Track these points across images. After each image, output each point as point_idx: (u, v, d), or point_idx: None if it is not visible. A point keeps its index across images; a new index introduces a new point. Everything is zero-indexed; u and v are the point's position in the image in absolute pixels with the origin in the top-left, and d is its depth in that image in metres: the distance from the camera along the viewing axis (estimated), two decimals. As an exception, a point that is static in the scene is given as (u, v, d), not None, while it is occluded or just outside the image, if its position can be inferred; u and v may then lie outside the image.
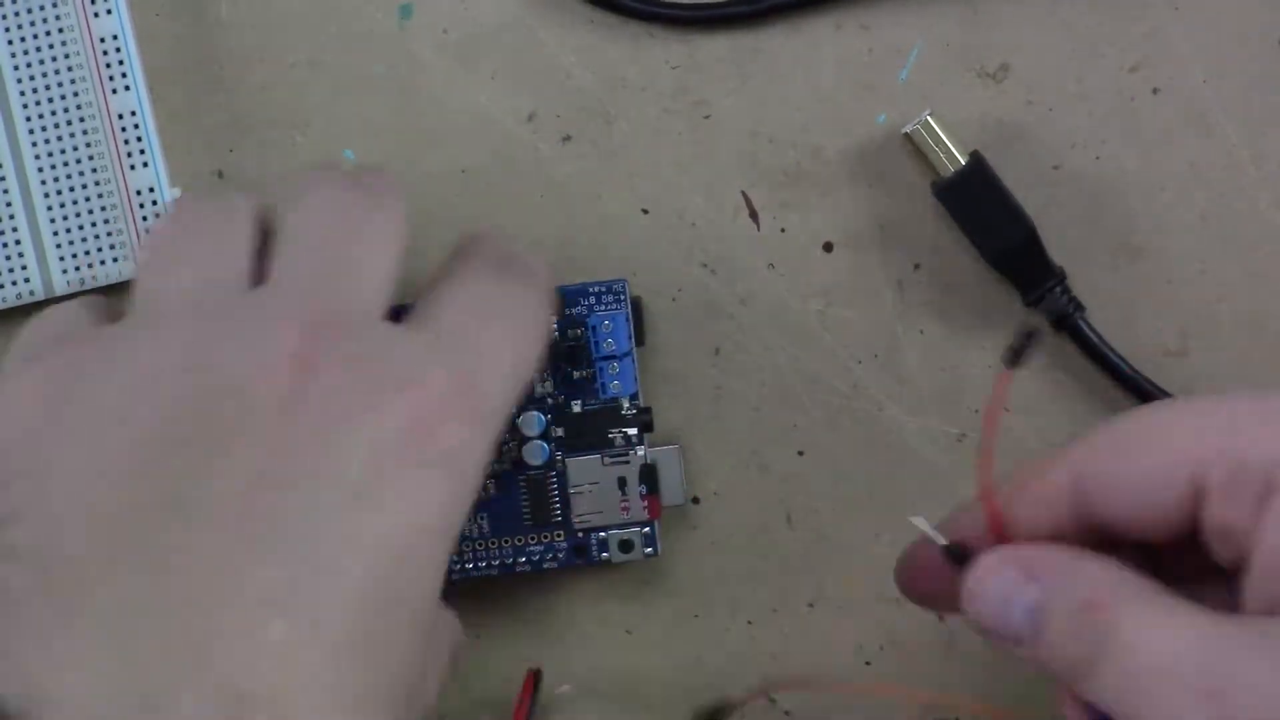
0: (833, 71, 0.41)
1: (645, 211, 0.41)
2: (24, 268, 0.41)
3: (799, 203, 0.41)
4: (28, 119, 0.41)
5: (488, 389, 0.32)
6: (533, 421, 0.40)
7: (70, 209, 0.41)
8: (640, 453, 0.40)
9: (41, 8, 0.41)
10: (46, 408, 0.31)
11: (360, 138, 0.42)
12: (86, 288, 0.41)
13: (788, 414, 0.41)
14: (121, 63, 0.41)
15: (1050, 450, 0.32)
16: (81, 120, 0.41)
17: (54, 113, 0.41)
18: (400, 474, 0.30)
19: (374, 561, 0.30)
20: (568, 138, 0.41)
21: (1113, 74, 0.41)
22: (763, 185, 0.41)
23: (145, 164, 0.41)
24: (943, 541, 0.34)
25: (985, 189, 0.40)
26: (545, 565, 0.40)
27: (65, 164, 0.41)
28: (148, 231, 0.39)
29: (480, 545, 0.40)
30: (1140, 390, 0.40)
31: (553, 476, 0.40)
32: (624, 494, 0.40)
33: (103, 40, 0.41)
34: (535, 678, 0.40)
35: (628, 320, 0.40)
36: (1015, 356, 0.32)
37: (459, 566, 0.40)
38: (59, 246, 0.41)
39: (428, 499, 0.31)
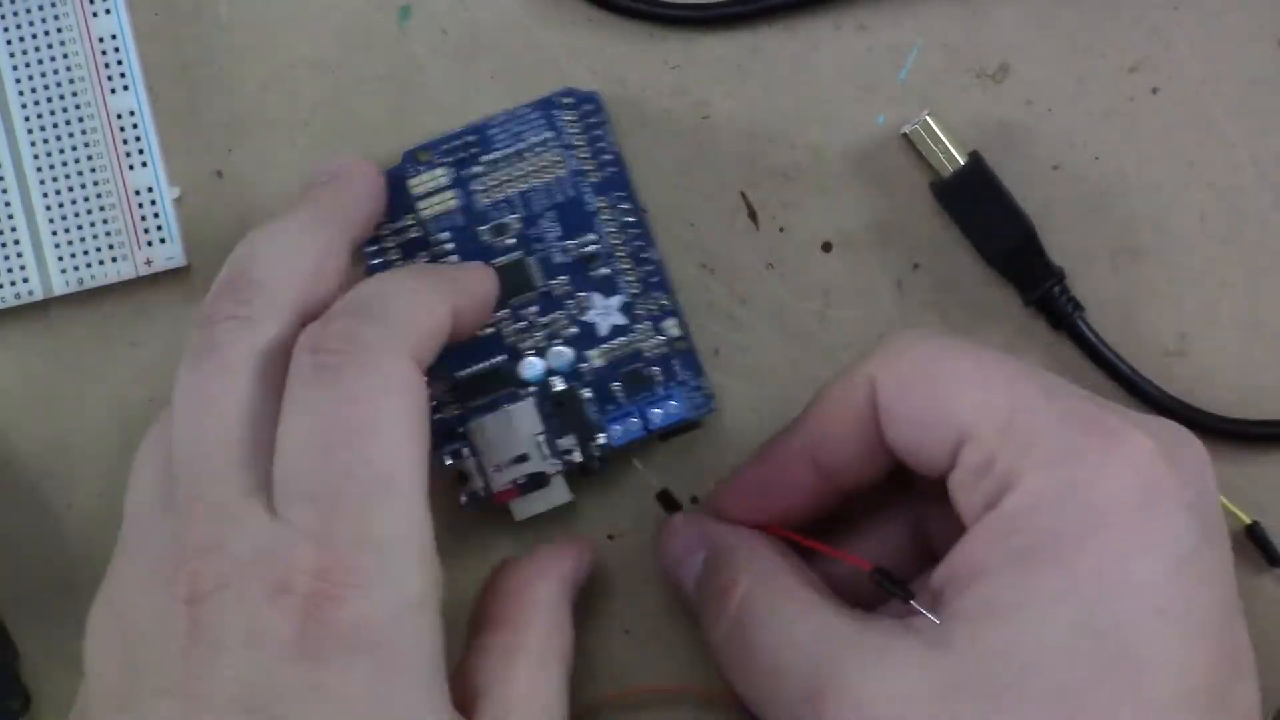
0: (832, 72, 0.41)
1: (645, 211, 0.41)
2: (23, 268, 0.41)
3: (798, 203, 0.41)
4: (26, 119, 0.41)
5: (363, 523, 0.31)
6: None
7: (69, 209, 0.41)
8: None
9: (41, 8, 0.41)
10: None
11: (360, 138, 0.42)
12: (85, 288, 0.41)
13: (787, 415, 0.41)
14: (120, 63, 0.41)
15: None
16: (80, 120, 0.41)
17: (53, 113, 0.41)
18: (295, 681, 0.30)
19: None
20: (567, 138, 0.42)
21: (1113, 74, 0.41)
22: (762, 185, 0.41)
23: (144, 164, 0.41)
24: (657, 488, 0.39)
25: (984, 189, 0.40)
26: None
27: (64, 164, 0.41)
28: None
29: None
30: (1140, 390, 0.40)
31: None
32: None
33: (102, 40, 0.41)
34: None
35: None
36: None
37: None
38: (58, 247, 0.41)
39: (347, 691, 0.31)
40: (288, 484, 0.32)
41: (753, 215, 0.41)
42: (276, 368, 0.33)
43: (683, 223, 0.41)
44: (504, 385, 0.39)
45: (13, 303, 0.41)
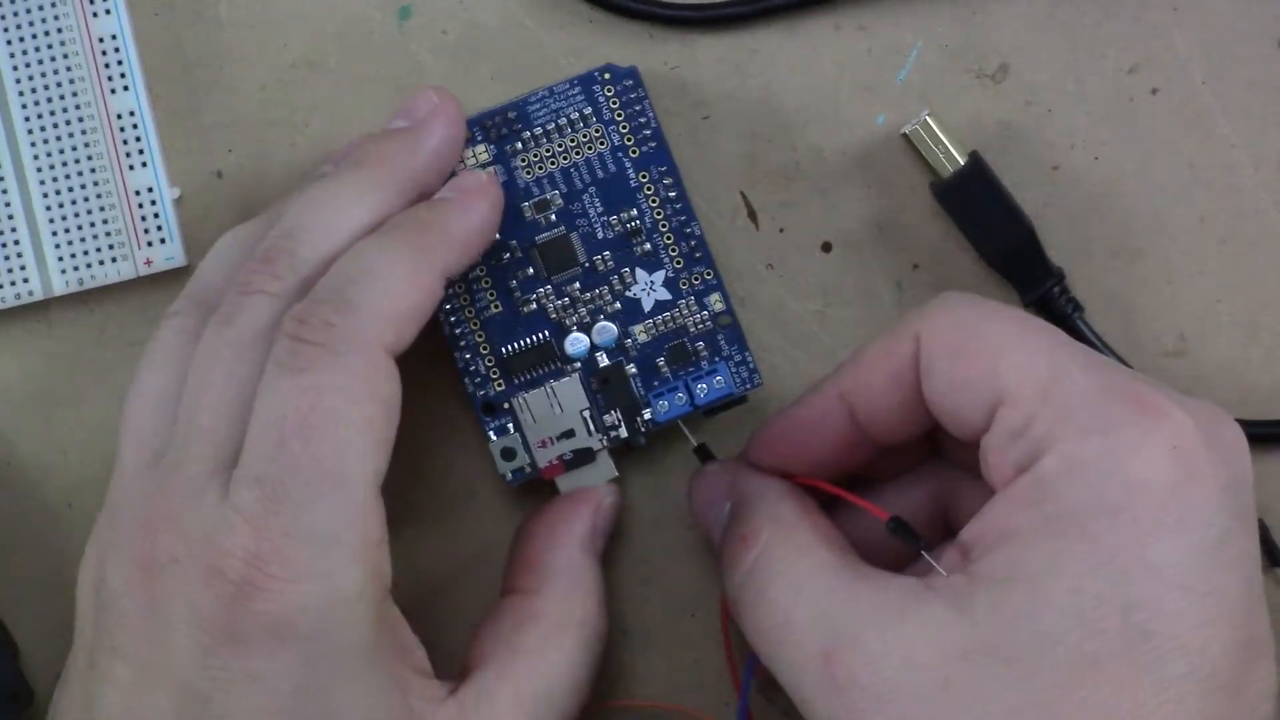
0: (832, 72, 0.41)
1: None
2: (23, 268, 0.41)
3: (798, 203, 0.41)
4: (26, 119, 0.41)
5: (302, 516, 0.32)
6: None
7: (69, 209, 0.41)
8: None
9: (41, 8, 0.41)
10: None
11: (359, 138, 0.42)
12: (85, 288, 0.41)
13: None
14: (120, 63, 0.41)
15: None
16: (80, 120, 0.41)
17: (53, 113, 0.41)
18: (226, 664, 0.32)
19: None
20: (567, 138, 0.42)
21: (1112, 74, 0.41)
22: (762, 185, 0.41)
23: (144, 164, 0.41)
24: (694, 443, 0.40)
25: (984, 189, 0.40)
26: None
27: (64, 164, 0.41)
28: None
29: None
30: (1140, 391, 0.40)
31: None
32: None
33: (102, 40, 0.41)
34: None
35: None
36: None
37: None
38: (58, 247, 0.41)
39: (275, 680, 0.32)
40: (243, 467, 0.33)
41: (753, 215, 0.41)
42: None
43: (682, 223, 0.41)
44: (549, 361, 0.40)
45: (13, 303, 0.41)
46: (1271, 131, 0.41)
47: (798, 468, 0.37)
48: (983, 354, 0.33)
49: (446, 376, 0.41)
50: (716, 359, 0.40)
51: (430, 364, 0.41)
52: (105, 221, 0.41)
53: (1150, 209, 0.41)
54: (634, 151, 0.40)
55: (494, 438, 0.39)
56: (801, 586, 0.33)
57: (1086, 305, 0.40)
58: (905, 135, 0.40)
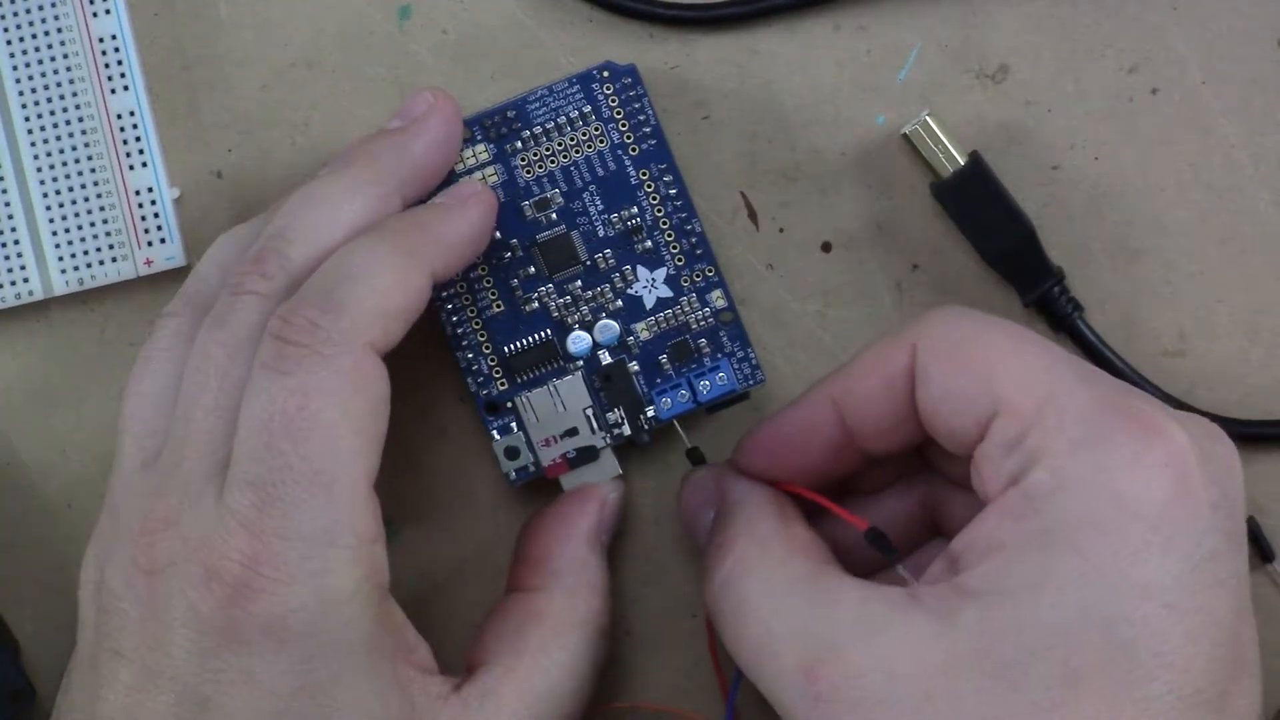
0: (832, 72, 0.41)
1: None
2: (23, 268, 0.41)
3: (798, 203, 0.41)
4: (26, 119, 0.41)
5: (294, 517, 0.32)
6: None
7: (69, 209, 0.41)
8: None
9: (40, 8, 0.41)
10: None
11: (359, 138, 0.42)
12: (85, 288, 0.41)
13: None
14: (120, 63, 0.41)
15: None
16: (80, 120, 0.41)
17: (53, 113, 0.41)
18: (225, 666, 0.32)
19: None
20: (567, 138, 0.42)
21: (1112, 74, 0.41)
22: (762, 185, 0.41)
23: (144, 164, 0.41)
24: (688, 444, 0.40)
25: (984, 190, 0.40)
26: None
27: (64, 164, 0.41)
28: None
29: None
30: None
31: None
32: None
33: (101, 40, 0.41)
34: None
35: None
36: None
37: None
38: (58, 247, 0.41)
39: (273, 680, 0.32)
40: (236, 469, 0.33)
41: (753, 215, 0.41)
42: None
43: (683, 223, 0.41)
44: (551, 360, 0.40)
45: (13, 303, 0.41)
46: (1271, 131, 0.41)
47: (785, 473, 0.37)
48: (979, 365, 0.33)
49: (449, 376, 0.41)
50: (719, 356, 0.40)
51: (432, 364, 0.41)
52: (105, 221, 0.41)
53: (1150, 209, 0.41)
54: (634, 149, 0.40)
55: (497, 437, 0.39)
56: (780, 597, 0.33)
57: (1086, 305, 0.40)
58: (905, 135, 0.40)
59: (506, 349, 0.40)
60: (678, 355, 0.40)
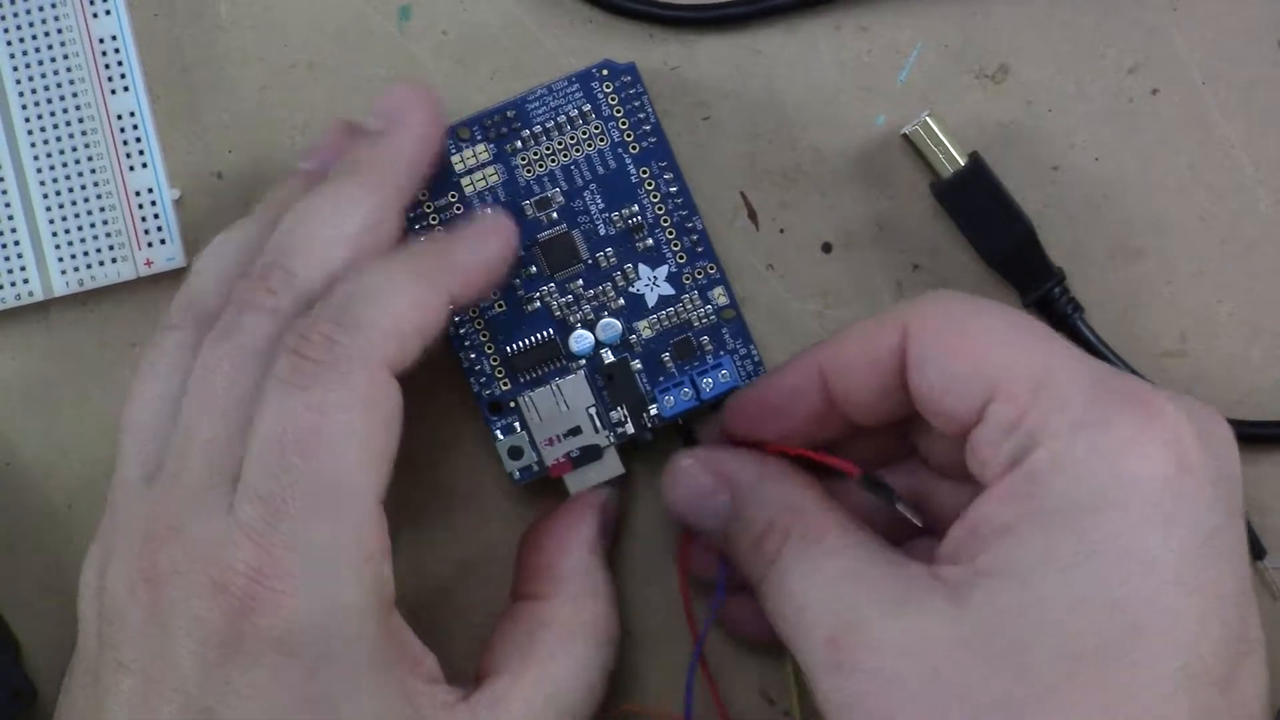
0: (832, 72, 0.41)
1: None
2: (23, 269, 0.41)
3: (798, 203, 0.41)
4: (27, 120, 0.41)
5: (303, 529, 0.32)
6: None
7: (69, 210, 0.41)
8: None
9: (41, 8, 0.41)
10: None
11: (360, 138, 0.42)
12: (85, 289, 0.41)
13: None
14: (120, 63, 0.41)
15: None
16: (80, 121, 0.41)
17: (53, 113, 0.41)
18: (229, 678, 0.32)
19: None
20: (567, 138, 0.42)
21: (1112, 74, 0.41)
22: (762, 186, 0.41)
23: (144, 165, 0.41)
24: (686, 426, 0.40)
25: (984, 190, 0.40)
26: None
27: (64, 165, 0.41)
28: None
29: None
30: (1140, 391, 0.40)
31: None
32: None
33: (102, 41, 0.41)
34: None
35: None
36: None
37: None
38: (58, 248, 0.41)
39: (277, 692, 0.32)
40: (246, 481, 0.33)
41: (753, 215, 0.41)
42: None
43: (683, 223, 0.41)
44: (554, 359, 0.40)
45: (13, 303, 0.41)
46: (1271, 131, 0.41)
47: (769, 436, 0.37)
48: (974, 349, 0.33)
49: (451, 376, 0.41)
50: (721, 353, 0.40)
51: (434, 364, 0.41)
52: (105, 222, 0.41)
53: (1150, 209, 0.41)
54: (634, 147, 0.40)
55: (501, 437, 0.40)
56: (816, 573, 0.34)
57: (1086, 305, 0.40)
58: (905, 135, 0.40)
59: (509, 348, 0.40)
60: (680, 353, 0.40)
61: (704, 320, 0.40)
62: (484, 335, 0.40)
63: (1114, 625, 0.30)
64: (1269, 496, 0.40)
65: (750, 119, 0.41)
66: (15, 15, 0.41)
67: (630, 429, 0.40)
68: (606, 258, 0.40)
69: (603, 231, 0.40)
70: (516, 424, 0.40)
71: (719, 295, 0.40)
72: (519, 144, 0.40)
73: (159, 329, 0.37)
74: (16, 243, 0.41)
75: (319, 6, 0.42)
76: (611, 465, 0.40)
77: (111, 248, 0.41)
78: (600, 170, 0.40)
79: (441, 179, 0.40)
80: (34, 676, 0.41)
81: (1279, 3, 0.41)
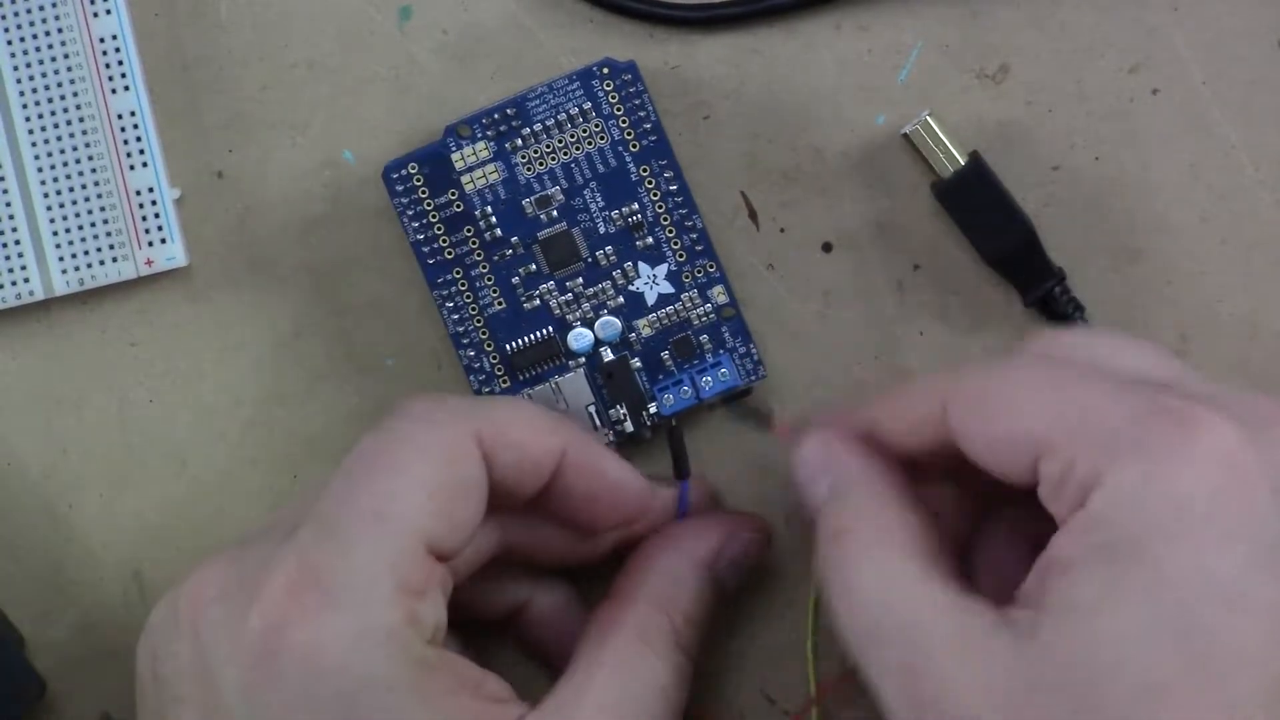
0: (832, 72, 0.41)
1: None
2: (23, 268, 0.41)
3: (798, 203, 0.41)
4: (27, 119, 0.41)
5: (347, 550, 0.32)
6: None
7: (70, 209, 0.41)
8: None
9: (41, 8, 0.41)
10: None
11: (360, 138, 0.42)
12: (86, 288, 0.41)
13: (787, 416, 0.41)
14: (121, 63, 0.41)
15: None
16: (81, 120, 0.41)
17: (53, 113, 0.41)
18: (268, 702, 0.32)
19: None
20: (567, 138, 0.42)
21: (1112, 74, 0.41)
22: (762, 186, 0.41)
23: (145, 164, 0.41)
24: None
25: (984, 190, 0.40)
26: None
27: (65, 164, 0.41)
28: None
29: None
30: (1140, 391, 0.40)
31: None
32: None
33: (102, 40, 0.41)
34: None
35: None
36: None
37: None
38: (58, 247, 0.41)
39: (305, 713, 0.32)
40: (314, 507, 0.33)
41: (753, 216, 0.41)
42: None
43: (683, 223, 0.41)
44: (553, 357, 0.40)
45: (13, 303, 0.41)
46: (1271, 131, 0.41)
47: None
48: (1008, 416, 0.32)
49: (451, 374, 0.41)
50: (721, 351, 0.40)
51: (426, 342, 0.41)
52: (105, 221, 0.41)
53: (1150, 209, 0.41)
54: (634, 145, 0.40)
55: None
56: (886, 594, 0.33)
57: (1087, 305, 0.40)
58: (906, 135, 0.40)
59: (508, 346, 0.40)
60: (680, 351, 0.40)
61: (703, 319, 0.40)
62: (483, 333, 0.40)
63: (1184, 654, 0.30)
64: (1269, 496, 0.40)
65: (750, 119, 0.41)
66: (15, 15, 0.41)
67: (630, 427, 0.40)
68: (606, 256, 0.40)
69: (602, 230, 0.40)
70: None
71: (719, 294, 0.40)
72: (519, 142, 0.40)
73: None
74: (17, 242, 0.41)
75: (319, 6, 0.42)
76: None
77: (112, 247, 0.41)
78: (600, 168, 0.40)
79: (443, 177, 0.40)
80: (40, 673, 0.41)
81: (1279, 3, 0.41)
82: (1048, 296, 0.40)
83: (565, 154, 0.40)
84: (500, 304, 0.40)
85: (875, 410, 0.36)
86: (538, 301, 0.40)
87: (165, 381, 0.42)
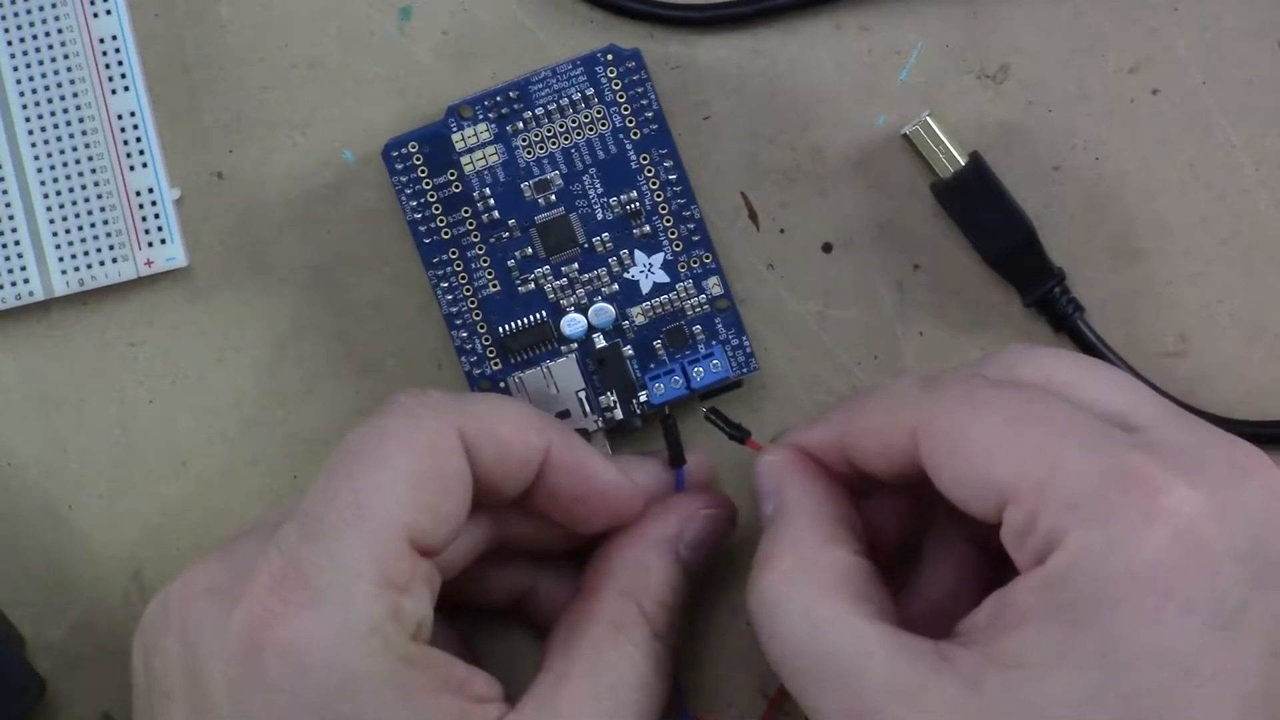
0: (832, 72, 0.41)
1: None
2: (23, 269, 0.41)
3: (798, 203, 0.41)
4: (27, 120, 0.41)
5: (330, 546, 0.32)
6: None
7: (70, 210, 0.41)
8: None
9: (41, 8, 0.41)
10: None
11: (360, 139, 0.42)
12: (86, 289, 0.41)
13: (786, 416, 0.41)
14: (121, 63, 0.41)
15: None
16: (81, 121, 0.41)
17: (53, 113, 0.41)
18: (251, 699, 0.32)
19: None
20: (567, 138, 0.42)
21: (1113, 75, 0.41)
22: (762, 186, 0.41)
23: (145, 164, 0.41)
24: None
25: (985, 190, 0.40)
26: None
27: (65, 165, 0.41)
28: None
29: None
30: (1140, 391, 0.40)
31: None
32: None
33: (102, 41, 0.41)
34: None
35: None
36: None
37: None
38: (58, 248, 0.41)
39: (290, 709, 0.32)
40: (299, 504, 0.33)
41: (753, 216, 0.41)
42: None
43: (683, 223, 0.41)
44: (546, 342, 0.40)
45: (13, 303, 0.41)
46: (1271, 131, 0.41)
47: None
48: (978, 457, 0.32)
49: (443, 355, 0.41)
50: (713, 343, 0.40)
51: (426, 342, 0.41)
52: (105, 222, 0.41)
53: (1150, 209, 0.41)
54: (635, 133, 0.40)
55: None
56: (816, 634, 0.33)
57: (1087, 305, 0.40)
58: (906, 136, 0.40)
59: (501, 329, 0.40)
60: (672, 340, 0.40)
61: (697, 309, 0.40)
62: (477, 315, 0.40)
63: None
64: (1269, 497, 0.40)
65: (750, 119, 0.41)
66: (15, 15, 0.41)
67: (619, 414, 0.40)
68: (603, 242, 0.40)
69: (600, 216, 0.40)
70: None
71: (714, 285, 0.40)
72: (520, 125, 0.40)
73: None
74: (17, 243, 0.41)
75: (319, 6, 0.42)
76: (600, 450, 0.40)
77: (112, 248, 0.41)
78: (600, 155, 0.40)
79: (442, 157, 0.40)
80: (40, 673, 0.41)
81: (1279, 3, 0.41)
82: (1048, 296, 0.40)
83: (566, 139, 0.40)
84: (495, 286, 0.40)
85: (847, 426, 0.36)
86: (532, 285, 0.40)
87: (165, 381, 0.42)
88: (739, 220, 0.41)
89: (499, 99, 0.40)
